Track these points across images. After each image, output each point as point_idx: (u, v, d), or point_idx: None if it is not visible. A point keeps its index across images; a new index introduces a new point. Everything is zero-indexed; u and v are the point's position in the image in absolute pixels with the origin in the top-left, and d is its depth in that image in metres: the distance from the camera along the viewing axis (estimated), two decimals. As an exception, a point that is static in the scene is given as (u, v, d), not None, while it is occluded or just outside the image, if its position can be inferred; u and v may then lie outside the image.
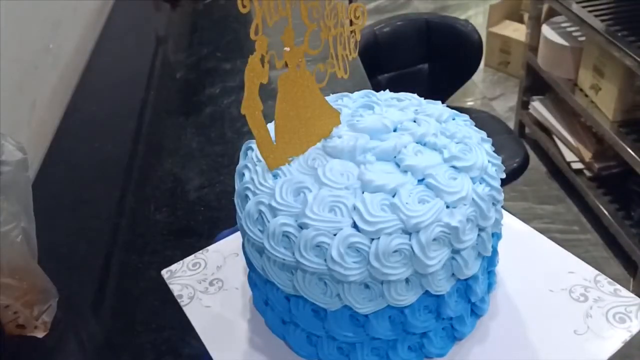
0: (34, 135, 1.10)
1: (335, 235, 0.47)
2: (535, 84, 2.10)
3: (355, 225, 0.47)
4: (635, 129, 1.65)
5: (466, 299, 0.55)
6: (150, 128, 1.18)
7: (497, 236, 0.57)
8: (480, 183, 0.51)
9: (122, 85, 1.37)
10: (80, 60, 1.41)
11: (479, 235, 0.51)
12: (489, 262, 0.57)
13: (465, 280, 0.53)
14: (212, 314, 0.63)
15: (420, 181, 0.50)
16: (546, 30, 1.94)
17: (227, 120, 1.16)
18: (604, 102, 1.72)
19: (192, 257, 0.70)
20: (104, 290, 0.82)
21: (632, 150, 1.57)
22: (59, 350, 0.73)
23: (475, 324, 0.57)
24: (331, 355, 0.55)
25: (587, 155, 1.85)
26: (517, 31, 2.55)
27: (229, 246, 0.69)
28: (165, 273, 0.68)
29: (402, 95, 0.62)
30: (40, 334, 0.73)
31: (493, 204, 0.52)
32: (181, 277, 0.67)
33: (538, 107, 2.08)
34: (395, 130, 0.56)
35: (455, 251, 0.49)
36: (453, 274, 0.51)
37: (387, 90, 0.64)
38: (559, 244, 0.66)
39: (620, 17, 1.67)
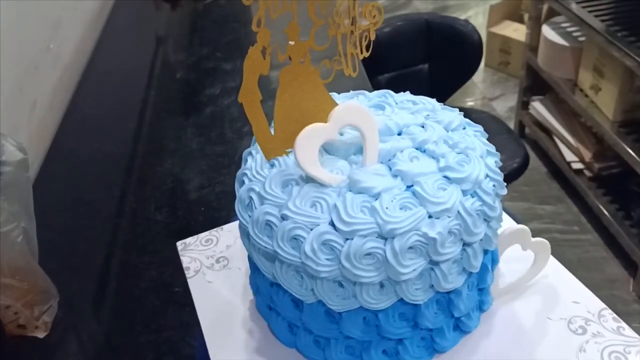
0: (34, 135, 1.10)
1: (312, 230, 0.48)
2: (535, 84, 2.10)
3: (333, 223, 0.48)
4: (635, 129, 1.65)
5: (448, 312, 0.54)
6: (150, 128, 1.18)
7: (491, 254, 0.56)
8: (472, 197, 0.50)
9: (122, 85, 1.37)
10: (80, 60, 1.41)
11: (464, 250, 0.50)
12: (480, 278, 0.55)
13: (448, 293, 0.52)
14: (212, 290, 0.66)
15: (409, 187, 0.50)
16: (546, 31, 1.94)
17: (227, 120, 1.16)
18: (604, 102, 1.72)
19: (206, 233, 0.73)
20: (104, 291, 0.82)
21: (632, 150, 1.57)
22: (59, 350, 0.73)
23: (458, 339, 0.56)
24: (308, 346, 0.56)
25: (587, 155, 1.85)
26: (517, 31, 2.55)
27: None
28: (179, 245, 0.72)
29: (419, 98, 0.62)
30: (40, 334, 0.73)
31: (485, 220, 0.51)
32: (193, 250, 0.71)
33: (538, 107, 2.08)
34: (399, 134, 0.56)
35: (434, 262, 0.49)
36: (432, 286, 0.50)
37: (408, 92, 0.63)
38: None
39: (620, 17, 1.67)
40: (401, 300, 0.50)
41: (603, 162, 1.82)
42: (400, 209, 0.48)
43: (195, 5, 1.71)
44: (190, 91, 1.31)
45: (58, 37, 1.27)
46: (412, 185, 0.50)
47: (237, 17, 1.64)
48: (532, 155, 2.06)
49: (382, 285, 0.49)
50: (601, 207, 1.74)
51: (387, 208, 0.47)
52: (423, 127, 0.57)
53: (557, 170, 2.00)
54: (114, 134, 1.18)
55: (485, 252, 0.54)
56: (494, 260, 0.57)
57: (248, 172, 0.54)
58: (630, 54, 1.49)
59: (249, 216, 0.52)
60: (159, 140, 1.14)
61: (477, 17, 3.01)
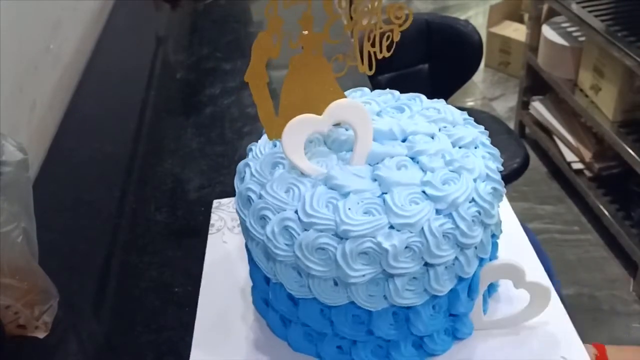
0: (34, 135, 1.10)
1: (278, 213, 0.49)
2: (536, 84, 2.10)
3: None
4: (635, 129, 1.65)
5: (406, 328, 0.53)
6: (150, 128, 1.18)
7: (468, 281, 0.54)
8: (446, 218, 0.48)
9: (122, 85, 1.37)
10: (80, 60, 1.41)
11: (427, 270, 0.49)
12: (450, 303, 0.54)
13: (407, 309, 0.51)
14: (224, 250, 0.71)
15: (384, 194, 0.50)
16: (546, 31, 1.94)
17: (227, 121, 1.16)
18: (604, 102, 1.72)
19: None
20: (104, 291, 0.82)
21: (632, 150, 1.57)
22: (59, 350, 0.73)
23: (418, 358, 0.55)
24: (275, 323, 0.58)
25: (587, 155, 1.85)
26: (517, 31, 2.55)
27: None
28: (215, 203, 0.78)
29: (446, 108, 0.60)
30: (41, 335, 0.73)
31: (458, 245, 0.49)
32: (224, 210, 0.77)
33: (538, 107, 2.08)
34: (404, 140, 0.55)
35: (388, 274, 0.48)
36: (385, 296, 0.50)
37: (442, 100, 0.62)
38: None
39: (620, 17, 1.67)
40: (353, 303, 0.50)
41: (603, 162, 1.82)
42: (364, 213, 0.48)
43: (195, 5, 1.71)
44: (190, 91, 1.31)
45: (58, 37, 1.27)
46: (386, 193, 0.49)
47: (237, 17, 1.64)
48: (532, 155, 2.06)
49: (335, 282, 0.50)
50: (601, 207, 1.74)
51: (349, 209, 0.48)
52: (432, 137, 0.55)
53: (557, 171, 2.00)
54: (114, 134, 1.18)
55: (460, 279, 0.52)
56: (472, 290, 0.55)
57: (254, 147, 0.57)
58: (630, 54, 1.49)
59: (239, 188, 0.55)
60: (159, 140, 1.14)
61: (477, 17, 3.00)
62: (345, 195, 0.49)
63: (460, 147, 0.55)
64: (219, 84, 1.28)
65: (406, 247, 0.47)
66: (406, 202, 0.48)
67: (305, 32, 0.50)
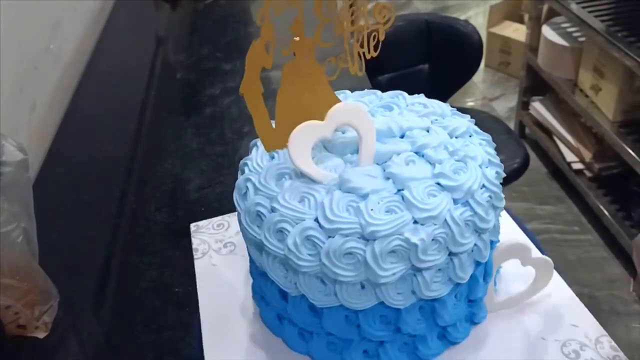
0: (34, 135, 1.10)
1: (297, 224, 0.48)
2: (536, 84, 2.10)
3: (318, 220, 0.48)
4: (635, 129, 1.65)
5: (432, 320, 0.53)
6: (150, 128, 1.18)
7: (484, 266, 0.55)
8: (464, 206, 0.49)
9: (122, 85, 1.37)
10: (80, 60, 1.41)
11: (451, 259, 0.50)
12: (470, 290, 0.55)
13: (432, 301, 0.52)
14: (215, 272, 0.68)
15: (400, 191, 0.50)
16: (546, 31, 1.94)
17: (227, 121, 1.16)
18: (604, 103, 1.72)
19: (219, 217, 0.76)
20: (104, 291, 0.82)
21: (632, 151, 1.57)
22: (59, 350, 0.73)
23: (443, 349, 0.56)
24: (293, 338, 0.57)
25: (588, 155, 1.85)
26: (517, 31, 2.55)
27: None
28: (192, 226, 0.75)
29: (431, 102, 0.61)
30: (41, 335, 0.73)
31: (476, 231, 0.50)
32: (204, 233, 0.74)
33: (538, 107, 2.08)
34: (402, 136, 0.56)
35: (416, 269, 0.48)
36: (414, 292, 0.50)
37: (422, 95, 0.63)
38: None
39: (620, 17, 1.67)
40: (382, 303, 0.50)
41: (603, 162, 1.82)
42: (386, 211, 0.48)
43: (195, 5, 1.71)
44: (190, 91, 1.31)
45: (58, 37, 1.27)
46: (402, 189, 0.49)
47: (237, 17, 1.64)
48: (532, 156, 2.06)
49: (362, 286, 0.49)
50: (601, 207, 1.74)
51: (372, 210, 0.47)
52: (428, 131, 0.56)
53: (558, 171, 2.00)
54: (114, 134, 1.18)
55: (478, 264, 0.53)
56: (487, 273, 0.56)
57: (249, 162, 0.55)
58: (630, 54, 1.49)
59: (244, 205, 0.53)
60: (159, 140, 1.14)
61: (477, 18, 3.00)
62: (364, 196, 0.49)
63: (457, 137, 0.56)
64: (219, 84, 1.29)
65: (432, 240, 0.47)
66: (425, 195, 0.49)
67: (297, 39, 0.49)
